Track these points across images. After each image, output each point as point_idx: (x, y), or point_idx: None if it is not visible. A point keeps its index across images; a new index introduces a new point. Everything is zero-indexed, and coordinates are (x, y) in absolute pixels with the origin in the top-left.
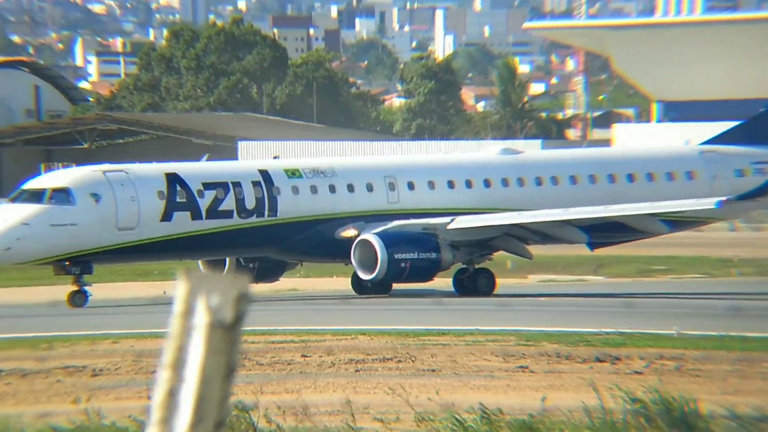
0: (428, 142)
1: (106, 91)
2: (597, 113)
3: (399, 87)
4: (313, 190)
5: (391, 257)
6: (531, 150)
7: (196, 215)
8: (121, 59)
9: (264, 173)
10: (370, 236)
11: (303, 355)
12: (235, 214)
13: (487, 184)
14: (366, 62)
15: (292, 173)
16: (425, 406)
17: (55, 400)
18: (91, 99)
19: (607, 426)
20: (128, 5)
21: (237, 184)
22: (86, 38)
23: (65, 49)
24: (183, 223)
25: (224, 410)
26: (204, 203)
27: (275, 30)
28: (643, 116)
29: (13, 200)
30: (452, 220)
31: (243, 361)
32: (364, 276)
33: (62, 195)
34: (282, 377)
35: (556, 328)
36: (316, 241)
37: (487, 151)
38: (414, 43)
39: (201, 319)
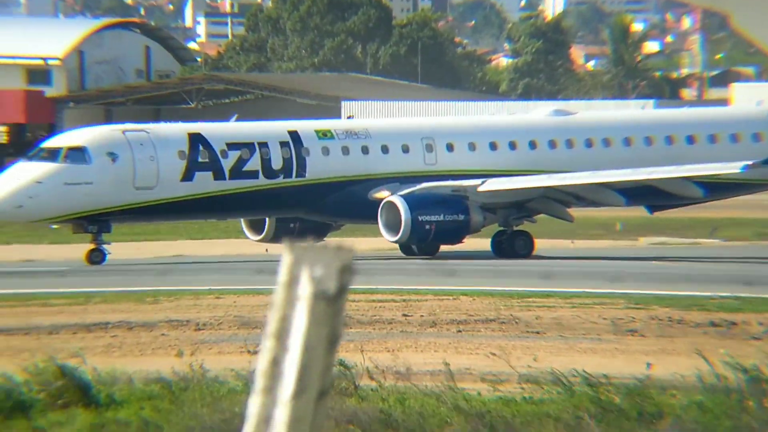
0: (535, 102)
1: (213, 51)
2: (714, 72)
3: (506, 46)
4: (345, 151)
5: (414, 219)
6: (587, 111)
7: (219, 175)
8: (229, 20)
9: (293, 134)
10: (395, 198)
11: (404, 315)
12: (260, 174)
13: (532, 145)
14: (473, 22)
15: (324, 134)
16: (529, 369)
17: (160, 353)
18: (198, 59)
19: (721, 393)
20: None
21: (263, 145)
22: (196, 0)
23: (175, 10)
24: (205, 183)
25: (327, 380)
26: (227, 163)
27: None
28: (764, 75)
29: (30, 158)
30: (483, 182)
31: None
32: (389, 238)
33: (78, 154)
34: (383, 336)
35: (667, 292)
36: (348, 203)
37: (537, 112)
38: (523, 2)
39: (305, 290)
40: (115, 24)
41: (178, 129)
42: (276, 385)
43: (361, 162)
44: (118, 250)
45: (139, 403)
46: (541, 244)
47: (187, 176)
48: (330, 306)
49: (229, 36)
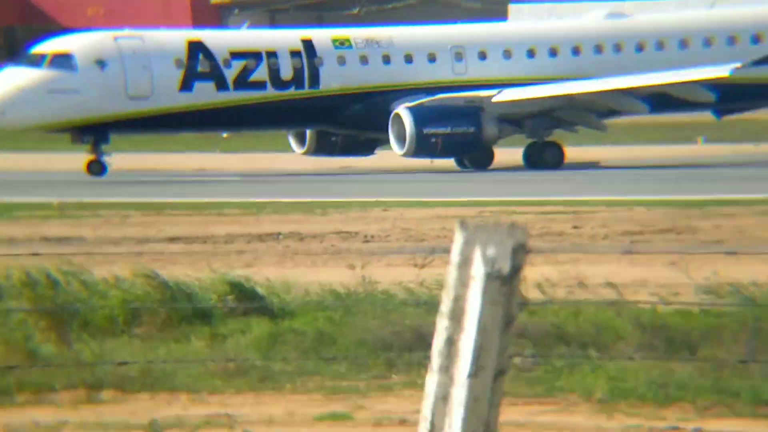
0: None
1: None
2: None
3: None
4: (363, 60)
5: (419, 131)
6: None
7: (222, 86)
8: None
9: (307, 42)
10: (402, 109)
11: (574, 227)
12: (268, 85)
13: (576, 51)
14: None
15: (341, 43)
16: (709, 281)
17: (330, 264)
18: None
19: None
20: None
21: (272, 54)
22: None
23: None
24: (206, 94)
25: (504, 360)
26: (231, 73)
27: None
28: None
29: (15, 63)
30: (499, 92)
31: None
32: (398, 151)
33: (64, 60)
34: (552, 249)
35: None
36: (368, 115)
37: (589, 15)
38: None
39: (478, 270)
40: None
41: (177, 36)
42: (453, 364)
43: (381, 72)
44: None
45: (312, 314)
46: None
47: (186, 86)
48: (504, 286)
49: None
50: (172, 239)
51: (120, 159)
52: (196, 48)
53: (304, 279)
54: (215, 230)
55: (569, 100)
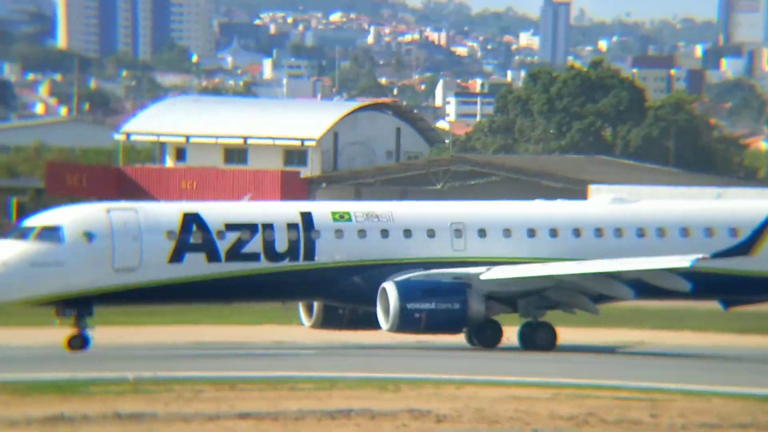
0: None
1: (462, 131)
2: None
3: (766, 129)
4: (361, 234)
5: (403, 306)
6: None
7: (213, 257)
8: (478, 100)
9: (306, 215)
10: (388, 284)
11: (652, 415)
12: (262, 257)
13: (576, 233)
14: (730, 103)
15: (341, 216)
16: None
17: None
18: (447, 141)
19: None
20: (489, 47)
21: (268, 226)
22: (447, 79)
23: (427, 90)
24: (196, 265)
25: None
26: (224, 244)
27: (635, 70)
28: None
29: (4, 236)
30: (488, 269)
31: (584, 418)
32: (384, 326)
33: (51, 233)
34: None
35: None
36: (364, 288)
37: (595, 200)
38: None
39: None
40: (369, 106)
41: (172, 207)
42: None
43: (379, 246)
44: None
45: None
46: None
47: (176, 258)
48: None
49: (478, 116)
50: (243, 416)
51: (200, 330)
52: (190, 220)
53: None
54: (287, 405)
55: (557, 281)
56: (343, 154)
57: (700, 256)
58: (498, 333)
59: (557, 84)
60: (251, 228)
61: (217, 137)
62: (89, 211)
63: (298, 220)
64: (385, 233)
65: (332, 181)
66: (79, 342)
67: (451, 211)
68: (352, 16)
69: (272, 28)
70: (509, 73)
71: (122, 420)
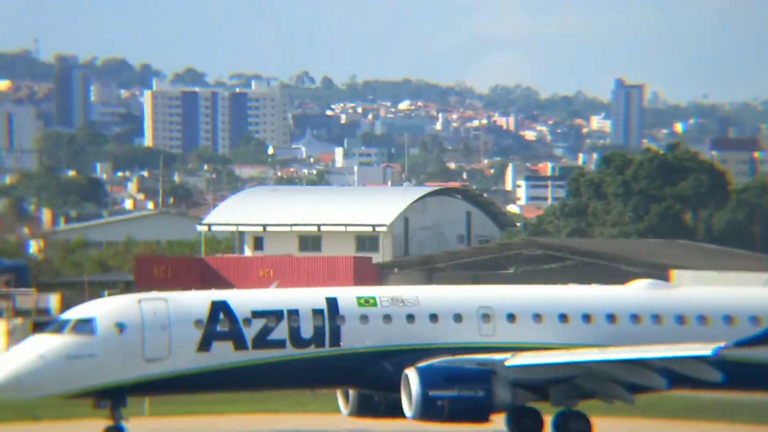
0: None
1: (532, 215)
2: None
3: None
4: (387, 319)
5: (424, 394)
6: (690, 286)
7: (240, 345)
8: (550, 184)
9: (331, 301)
10: (410, 370)
11: None
12: (288, 343)
13: (611, 319)
14: None
15: (365, 301)
16: None
17: None
18: (517, 224)
19: None
20: (558, 131)
21: (293, 312)
22: (516, 164)
23: (495, 174)
24: (223, 354)
25: None
26: (250, 332)
27: (714, 153)
28: None
29: (42, 330)
30: (512, 356)
31: None
32: (407, 414)
33: (85, 325)
34: None
35: None
36: (391, 375)
37: (632, 285)
38: None
39: None
40: (439, 191)
41: (203, 297)
42: None
43: (405, 331)
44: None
45: None
46: None
47: (203, 346)
48: None
49: (549, 199)
50: None
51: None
52: (218, 308)
53: None
54: None
55: (586, 369)
56: (414, 239)
57: (722, 344)
58: (538, 422)
59: (633, 166)
60: (277, 315)
61: (292, 225)
62: (121, 302)
63: (323, 305)
64: (410, 318)
65: (404, 266)
66: None
67: (478, 295)
68: (420, 104)
69: (343, 119)
70: (580, 156)
71: None
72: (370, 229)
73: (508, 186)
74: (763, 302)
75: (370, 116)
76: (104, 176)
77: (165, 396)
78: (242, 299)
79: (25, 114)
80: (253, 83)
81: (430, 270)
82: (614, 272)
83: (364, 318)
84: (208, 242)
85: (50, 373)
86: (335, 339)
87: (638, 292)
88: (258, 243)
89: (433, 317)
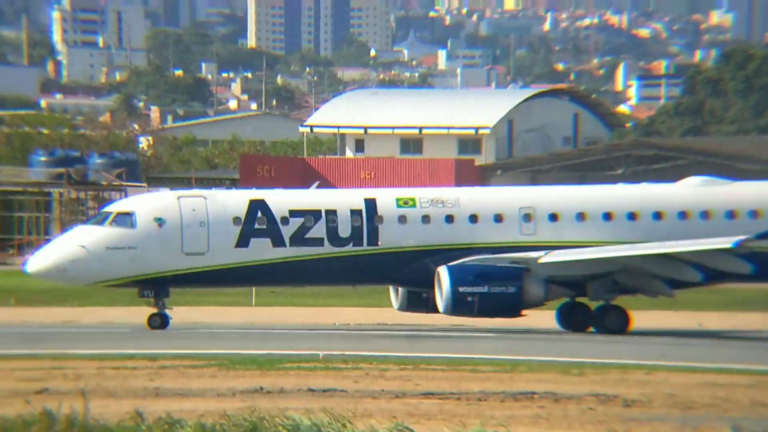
0: None
1: (643, 115)
2: None
3: None
4: (425, 219)
5: (455, 290)
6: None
7: (278, 242)
8: (663, 82)
9: (370, 202)
10: (442, 268)
11: None
12: (326, 241)
13: (657, 216)
14: None
15: (405, 202)
16: None
17: (588, 428)
18: (627, 125)
19: None
20: (675, 27)
21: (331, 212)
22: (628, 63)
23: (605, 74)
24: (261, 250)
25: None
26: (288, 230)
27: None
28: None
29: (85, 222)
30: (546, 254)
31: None
32: (440, 309)
33: (125, 218)
34: None
35: None
36: (428, 273)
37: (684, 182)
38: None
39: None
40: (546, 92)
41: (242, 195)
42: None
43: (443, 231)
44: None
45: None
46: None
47: (242, 242)
48: None
49: (662, 99)
50: (427, 395)
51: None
52: (256, 206)
53: None
54: (469, 386)
55: (622, 265)
56: (518, 141)
57: (743, 237)
58: (588, 316)
59: (755, 61)
60: (315, 214)
61: (393, 128)
62: (161, 198)
63: (361, 206)
64: (449, 219)
65: (507, 168)
66: (159, 321)
67: (521, 196)
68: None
69: (447, 20)
70: (698, 53)
71: (315, 395)
72: (473, 131)
73: (619, 86)
74: None
75: (474, 17)
76: (209, 76)
77: (204, 288)
78: (280, 199)
79: (134, 12)
80: None
81: (534, 172)
82: (730, 171)
83: (402, 218)
84: (310, 144)
85: (91, 263)
86: (373, 238)
87: (688, 188)
88: (359, 145)
89: (473, 218)
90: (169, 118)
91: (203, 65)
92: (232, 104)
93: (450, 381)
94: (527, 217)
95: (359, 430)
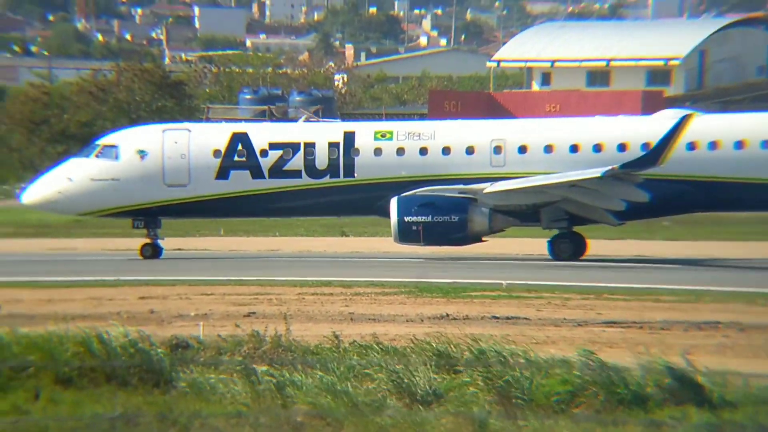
0: None
1: None
2: None
3: None
4: (400, 152)
5: (401, 219)
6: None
7: (257, 174)
8: None
9: (349, 135)
10: (393, 199)
11: None
12: (303, 173)
13: (622, 148)
14: None
15: (382, 135)
16: None
17: None
18: None
19: None
20: None
21: (310, 145)
22: None
23: None
24: (241, 182)
25: None
26: (267, 162)
27: None
28: None
29: (75, 154)
30: (491, 184)
31: None
32: (392, 238)
33: (110, 150)
34: None
35: None
36: None
37: (657, 115)
38: None
39: None
40: (740, 21)
41: (225, 128)
42: None
43: (417, 163)
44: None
45: (754, 407)
46: None
47: (222, 174)
48: None
49: None
50: (610, 323)
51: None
52: (237, 139)
53: (746, 370)
54: (652, 315)
55: (552, 194)
56: (711, 71)
57: (610, 168)
58: (581, 245)
59: None
60: (293, 147)
61: (581, 61)
62: (146, 131)
63: (339, 139)
64: (423, 151)
65: (697, 100)
66: (150, 251)
67: (494, 128)
68: None
69: None
70: None
71: (499, 322)
72: (662, 62)
73: None
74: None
75: None
76: (402, 13)
77: (188, 218)
78: (263, 131)
79: None
80: None
81: (725, 103)
82: None
83: (378, 151)
84: (497, 78)
85: (77, 194)
86: (349, 170)
87: (658, 122)
88: (546, 78)
89: (446, 150)
90: (363, 55)
91: (396, 2)
92: (423, 41)
93: (632, 311)
94: (497, 150)
95: (543, 356)
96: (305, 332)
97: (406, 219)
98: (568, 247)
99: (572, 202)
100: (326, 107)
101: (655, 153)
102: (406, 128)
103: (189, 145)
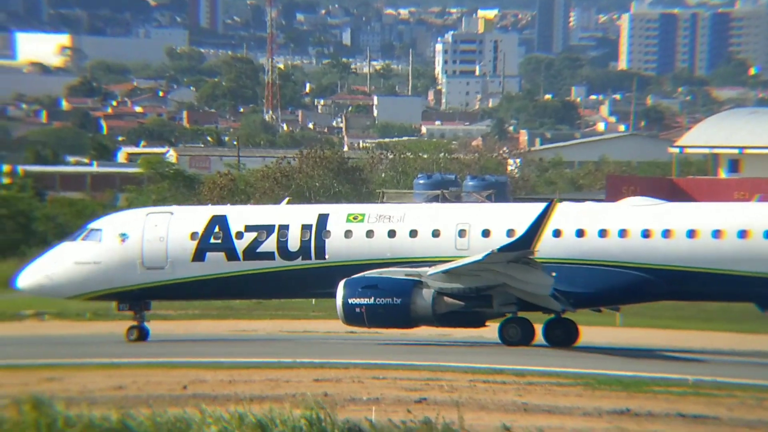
0: None
1: None
2: None
3: None
4: (369, 234)
5: (345, 302)
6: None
7: (232, 256)
8: None
9: (322, 216)
10: (342, 281)
11: None
12: (276, 255)
13: (580, 233)
14: None
15: (354, 217)
16: None
17: None
18: None
19: None
20: None
21: (284, 227)
22: None
23: None
24: (217, 264)
25: None
26: (241, 244)
27: None
28: None
29: (66, 238)
30: (433, 267)
31: None
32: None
33: (95, 233)
34: None
35: None
36: None
37: (623, 201)
38: None
39: None
40: None
41: (203, 210)
42: None
43: (385, 245)
44: None
45: None
46: None
47: (198, 257)
48: None
49: None
50: None
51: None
52: (215, 222)
53: None
54: None
55: (492, 280)
56: None
57: (491, 251)
58: (573, 332)
59: None
60: (268, 229)
61: None
62: (131, 214)
63: (313, 221)
64: (392, 233)
65: None
66: (136, 333)
67: (459, 213)
68: None
69: None
70: None
71: (686, 420)
72: None
73: None
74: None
75: None
76: (578, 99)
77: (168, 301)
78: (241, 214)
79: (509, 41)
80: (736, 2)
81: None
82: None
83: (348, 233)
84: (679, 164)
85: (63, 278)
86: (320, 252)
87: (619, 208)
88: (733, 165)
89: (413, 232)
90: (537, 140)
91: (573, 89)
92: (600, 126)
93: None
94: (462, 233)
95: None
96: (476, 421)
97: (350, 301)
98: (515, 332)
99: (509, 286)
100: (499, 191)
101: (527, 236)
102: (377, 211)
103: (168, 228)
